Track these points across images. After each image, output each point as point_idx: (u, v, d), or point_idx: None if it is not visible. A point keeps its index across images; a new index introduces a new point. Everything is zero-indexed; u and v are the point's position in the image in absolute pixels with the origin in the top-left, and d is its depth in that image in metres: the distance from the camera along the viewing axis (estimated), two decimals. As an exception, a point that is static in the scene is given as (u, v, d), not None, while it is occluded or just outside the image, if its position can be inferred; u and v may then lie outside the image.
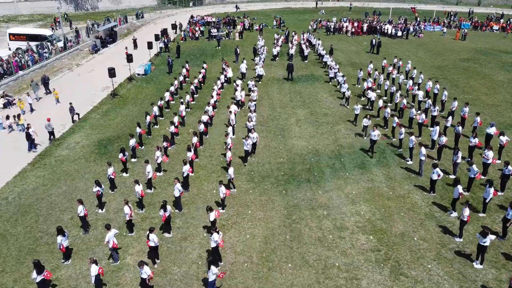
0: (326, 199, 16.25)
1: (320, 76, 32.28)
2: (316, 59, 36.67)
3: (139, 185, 15.01)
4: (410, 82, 27.32)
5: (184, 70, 30.65)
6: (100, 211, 15.60)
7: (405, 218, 15.05)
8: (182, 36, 46.15)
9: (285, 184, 17.34)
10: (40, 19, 57.72)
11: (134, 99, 27.71)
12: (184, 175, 16.38)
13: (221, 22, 51.50)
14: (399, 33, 47.26)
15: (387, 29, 47.91)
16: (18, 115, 23.40)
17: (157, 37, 39.64)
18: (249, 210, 15.54)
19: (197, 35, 46.58)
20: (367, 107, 25.58)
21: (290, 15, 61.72)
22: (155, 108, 22.84)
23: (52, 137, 21.71)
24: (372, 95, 25.19)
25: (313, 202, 16.06)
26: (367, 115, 22.05)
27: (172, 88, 26.73)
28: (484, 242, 12.15)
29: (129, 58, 30.54)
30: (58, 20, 50.37)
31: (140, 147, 20.40)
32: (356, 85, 29.76)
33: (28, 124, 20.52)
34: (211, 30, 46.15)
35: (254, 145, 19.25)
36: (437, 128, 19.49)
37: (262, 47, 35.77)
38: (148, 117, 21.39)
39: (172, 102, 26.16)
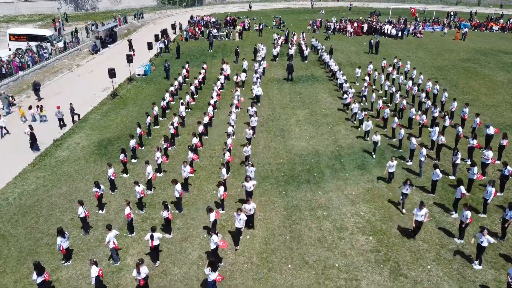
0: (326, 200, 16.28)
1: (320, 76, 32.32)
2: (317, 60, 36.62)
3: (139, 186, 15.05)
4: (410, 82, 27.35)
5: (184, 71, 30.67)
6: (100, 212, 15.63)
7: (405, 219, 15.08)
8: (182, 36, 46.17)
9: (285, 185, 17.38)
10: (40, 19, 57.71)
11: (134, 100, 27.74)
12: (184, 176, 16.40)
13: (221, 23, 51.51)
14: (399, 33, 47.28)
15: (387, 29, 47.98)
16: (41, 106, 24.14)
17: (157, 38, 39.70)
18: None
19: (197, 36, 46.59)
20: (366, 105, 25.77)
21: (290, 15, 61.74)
22: (156, 108, 22.87)
23: (62, 122, 23.03)
24: (372, 95, 25.27)
25: (313, 203, 16.09)
26: (368, 116, 22.10)
27: (172, 89, 26.75)
28: (482, 242, 12.18)
29: (129, 59, 30.57)
30: (59, 20, 50.43)
31: (140, 147, 20.43)
32: (355, 83, 29.80)
33: (30, 125, 20.54)
34: (211, 31, 46.16)
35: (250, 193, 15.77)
36: (437, 128, 19.54)
37: (260, 62, 31.68)
38: (149, 118, 21.43)
39: (172, 102, 26.18)
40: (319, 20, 52.91)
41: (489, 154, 17.09)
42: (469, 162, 18.26)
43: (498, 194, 16.15)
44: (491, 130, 19.50)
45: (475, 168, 16.01)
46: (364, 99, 26.47)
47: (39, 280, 11.22)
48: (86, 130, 23.08)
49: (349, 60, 36.71)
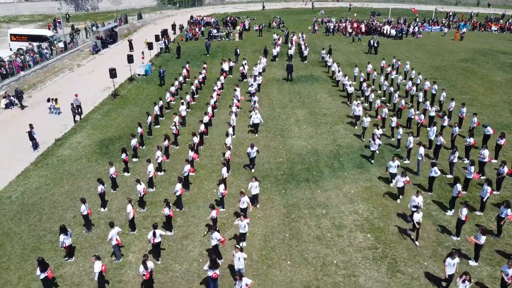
0: (325, 198, 16.51)
1: (319, 76, 32.54)
2: (318, 61, 36.76)
3: (140, 184, 15.27)
4: (410, 83, 27.58)
5: (184, 71, 30.92)
6: (102, 209, 15.85)
7: (402, 217, 15.30)
8: (183, 36, 46.41)
9: (284, 184, 17.60)
10: (41, 20, 57.92)
11: (135, 100, 27.96)
12: (184, 175, 16.62)
13: (219, 22, 51.77)
14: (399, 34, 47.51)
15: (386, 30, 48.22)
16: (56, 99, 25.88)
17: (157, 38, 39.93)
18: (249, 209, 15.75)
19: (197, 36, 46.83)
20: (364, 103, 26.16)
21: (289, 16, 61.99)
22: (156, 108, 23.10)
23: (79, 110, 24.80)
24: (371, 95, 25.50)
25: (312, 201, 16.32)
26: (367, 114, 22.33)
27: (172, 89, 26.98)
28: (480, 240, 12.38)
29: (130, 59, 30.81)
30: (59, 20, 50.64)
31: (141, 147, 20.65)
32: (353, 82, 30.02)
33: (30, 124, 20.74)
34: (211, 31, 46.42)
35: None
36: (435, 128, 19.79)
37: (255, 77, 28.52)
38: (149, 118, 21.66)
39: (172, 102, 26.40)
40: (324, 18, 52.99)
41: (485, 152, 17.32)
42: (466, 161, 18.48)
43: (495, 192, 16.39)
44: (489, 131, 19.73)
45: (472, 167, 16.24)
46: (363, 98, 26.76)
47: (43, 276, 11.43)
48: (88, 129, 23.30)
49: (348, 60, 36.92)
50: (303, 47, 37.74)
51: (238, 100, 24.82)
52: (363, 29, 48.04)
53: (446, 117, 21.65)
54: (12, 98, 27.26)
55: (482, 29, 54.61)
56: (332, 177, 18.09)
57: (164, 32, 42.51)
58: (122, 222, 15.01)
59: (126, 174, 18.33)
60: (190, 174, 17.23)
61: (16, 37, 39.32)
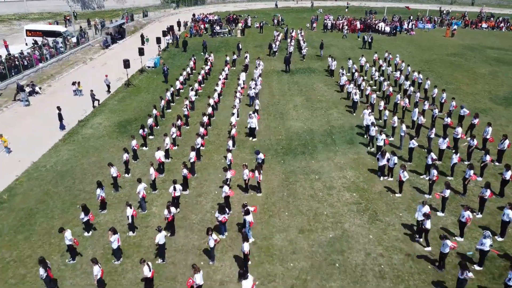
0: (318, 167, 19.08)
1: (316, 68, 35.11)
2: (317, 55, 39.31)
3: (159, 150, 17.90)
4: (398, 73, 30.16)
5: (191, 63, 33.53)
6: (126, 175, 18.40)
7: (384, 181, 17.86)
8: (187, 33, 48.97)
9: (283, 156, 20.18)
10: (50, 17, 60.44)
11: (146, 88, 30.51)
12: (197, 147, 19.16)
13: (222, 20, 54.34)
14: (393, 31, 50.04)
15: (381, 27, 50.77)
16: (79, 82, 29.45)
17: (164, 33, 42.54)
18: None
19: (201, 32, 49.40)
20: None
21: (289, 14, 64.55)
22: (168, 94, 25.72)
23: (108, 89, 29.31)
24: (362, 83, 28.09)
25: (307, 169, 18.89)
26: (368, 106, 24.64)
27: (181, 78, 29.56)
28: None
29: (141, 52, 33.35)
30: (68, 18, 53.25)
31: (156, 126, 23.20)
32: (347, 74, 32.49)
33: (58, 107, 23.25)
34: (215, 27, 49.00)
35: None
36: (416, 109, 22.38)
37: (256, 81, 27.81)
38: (163, 101, 24.24)
39: (182, 90, 28.93)
40: (327, 16, 55.40)
41: (459, 130, 19.91)
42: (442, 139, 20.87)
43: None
44: (465, 111, 22.31)
45: (445, 140, 18.75)
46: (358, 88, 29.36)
47: (86, 218, 14.01)
48: (106, 113, 25.86)
49: (344, 55, 39.42)
50: (301, 42, 40.30)
51: (242, 88, 27.38)
52: (359, 26, 50.58)
53: (426, 102, 24.25)
54: (35, 86, 29.83)
55: (473, 26, 57.18)
56: (325, 151, 20.65)
57: (171, 28, 45.08)
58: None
59: (144, 148, 20.85)
60: (201, 148, 19.78)
61: (31, 33, 41.87)
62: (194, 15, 57.07)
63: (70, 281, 12.64)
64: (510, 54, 40.80)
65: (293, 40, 41.07)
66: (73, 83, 29.57)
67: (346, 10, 69.13)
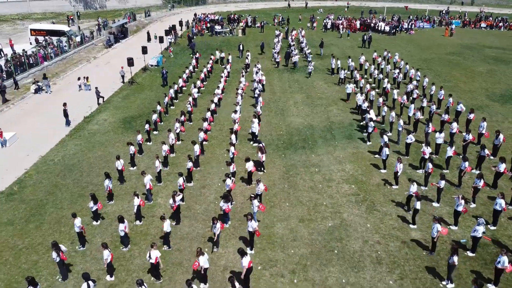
0: (318, 161, 19.65)
1: (316, 67, 35.63)
2: (317, 54, 39.88)
3: (164, 144, 18.43)
4: (397, 71, 30.73)
5: (193, 61, 34.12)
6: (132, 168, 18.97)
7: (382, 174, 18.43)
8: (189, 32, 49.55)
9: (284, 150, 20.75)
10: (52, 17, 61.13)
11: (150, 86, 31.11)
12: (200, 140, 19.74)
13: (224, 19, 54.98)
14: (392, 30, 50.64)
15: (380, 26, 51.37)
16: (87, 77, 30.25)
17: (167, 33, 43.11)
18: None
19: (202, 32, 50.03)
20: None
21: (289, 13, 65.10)
22: (172, 91, 26.30)
23: (123, 79, 30.94)
24: (361, 81, 28.66)
25: (307, 163, 19.46)
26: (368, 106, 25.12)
27: (184, 76, 30.15)
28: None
29: (144, 50, 33.96)
30: (72, 17, 53.92)
31: (160, 122, 23.77)
32: (347, 71, 33.01)
33: (64, 103, 23.84)
34: (215, 27, 49.62)
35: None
36: (412, 105, 22.98)
37: (257, 83, 28.11)
38: (166, 98, 24.83)
39: (184, 88, 29.52)
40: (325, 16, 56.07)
41: (454, 124, 20.46)
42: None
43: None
44: (462, 107, 22.87)
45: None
46: (357, 85, 29.95)
47: (94, 208, 14.59)
48: (111, 109, 26.45)
49: (343, 54, 40.00)
50: (302, 42, 40.90)
51: (244, 85, 27.95)
52: (358, 25, 51.17)
53: (424, 99, 24.80)
54: (39, 84, 30.42)
55: (472, 26, 57.75)
56: (324, 145, 21.22)
57: (173, 28, 45.69)
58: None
59: (148, 143, 21.43)
60: (204, 143, 20.36)
61: (35, 32, 42.53)
62: (195, 14, 57.71)
63: (80, 266, 13.20)
64: (508, 53, 41.38)
65: (293, 40, 41.67)
66: (79, 78, 30.39)
67: (346, 10, 69.77)
